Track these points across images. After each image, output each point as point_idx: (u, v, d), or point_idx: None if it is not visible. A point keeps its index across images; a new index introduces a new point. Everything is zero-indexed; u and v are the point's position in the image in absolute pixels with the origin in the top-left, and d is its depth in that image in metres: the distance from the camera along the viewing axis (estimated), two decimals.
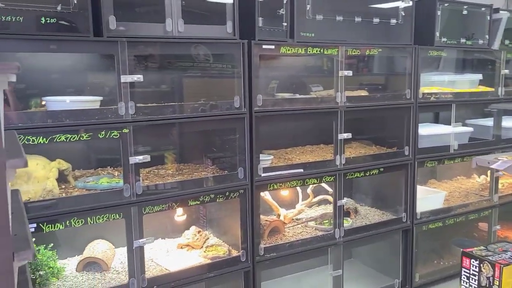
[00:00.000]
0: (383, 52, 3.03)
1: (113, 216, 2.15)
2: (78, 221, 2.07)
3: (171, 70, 2.58)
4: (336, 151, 2.87)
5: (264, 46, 2.51)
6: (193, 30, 2.29)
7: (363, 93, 3.08)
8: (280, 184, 2.69)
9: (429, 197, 3.45)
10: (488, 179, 4.01)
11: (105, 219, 2.12)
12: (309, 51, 2.68)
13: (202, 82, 2.65)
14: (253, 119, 2.51)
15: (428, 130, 3.41)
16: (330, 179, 2.87)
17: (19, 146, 0.96)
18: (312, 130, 3.38)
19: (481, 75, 3.64)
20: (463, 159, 3.52)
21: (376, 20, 2.94)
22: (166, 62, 2.48)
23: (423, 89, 3.26)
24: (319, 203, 3.36)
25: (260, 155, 2.73)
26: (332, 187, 2.97)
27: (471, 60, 3.79)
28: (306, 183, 2.80)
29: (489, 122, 3.85)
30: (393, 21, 3.02)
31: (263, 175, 2.60)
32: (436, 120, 4.03)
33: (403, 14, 3.05)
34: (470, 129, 3.59)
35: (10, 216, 0.86)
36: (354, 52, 2.87)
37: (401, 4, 3.03)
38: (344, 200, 2.96)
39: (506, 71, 3.65)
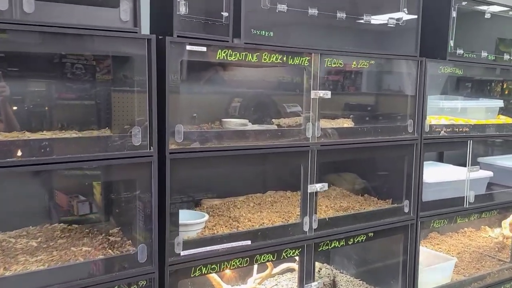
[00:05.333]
0: (376, 66, 2.10)
1: None
2: None
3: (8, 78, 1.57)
4: (305, 211, 1.91)
5: (188, 47, 1.55)
6: (53, 12, 1.32)
7: (347, 123, 2.14)
8: (214, 266, 1.71)
9: (435, 268, 2.49)
10: (505, 232, 3.11)
11: None
12: (265, 59, 1.73)
13: (76, 103, 1.66)
14: (167, 164, 1.54)
15: (434, 175, 2.47)
16: (294, 252, 1.90)
17: None
18: (275, 172, 2.42)
19: (502, 101, 2.75)
20: (480, 215, 2.59)
21: (367, 17, 2.01)
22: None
23: (430, 119, 2.34)
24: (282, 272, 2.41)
25: (186, 214, 1.78)
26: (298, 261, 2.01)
27: (490, 81, 2.90)
28: (257, 261, 1.82)
29: (509, 161, 2.95)
30: (392, 21, 2.10)
31: (183, 253, 1.61)
32: (440, 158, 3.12)
33: (406, 13, 2.14)
34: (490, 173, 2.67)
35: None
36: (334, 63, 1.94)
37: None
38: (316, 283, 1.98)
39: None
